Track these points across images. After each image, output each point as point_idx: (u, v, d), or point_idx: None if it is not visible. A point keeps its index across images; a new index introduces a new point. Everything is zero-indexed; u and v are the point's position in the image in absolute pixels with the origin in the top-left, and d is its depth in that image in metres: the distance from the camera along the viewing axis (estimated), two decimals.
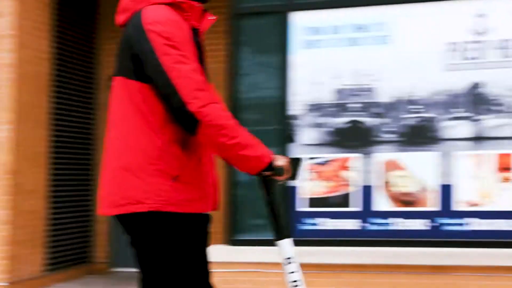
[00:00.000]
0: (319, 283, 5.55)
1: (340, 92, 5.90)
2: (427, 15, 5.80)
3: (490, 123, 5.63)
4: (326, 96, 5.91)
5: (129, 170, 2.54)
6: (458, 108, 5.68)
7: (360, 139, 5.84)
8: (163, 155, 2.54)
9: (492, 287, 5.36)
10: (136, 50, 2.54)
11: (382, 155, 5.78)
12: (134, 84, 2.57)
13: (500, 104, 5.62)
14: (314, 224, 5.87)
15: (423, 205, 5.69)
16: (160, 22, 2.54)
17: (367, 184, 5.80)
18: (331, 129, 5.90)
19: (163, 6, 2.61)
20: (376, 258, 5.60)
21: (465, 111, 5.67)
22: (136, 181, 2.52)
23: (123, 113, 2.60)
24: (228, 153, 2.53)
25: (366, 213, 5.79)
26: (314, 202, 5.89)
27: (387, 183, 5.77)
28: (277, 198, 2.73)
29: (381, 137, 5.80)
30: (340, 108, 5.89)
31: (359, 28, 5.90)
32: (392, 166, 5.77)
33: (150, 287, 2.63)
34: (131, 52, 2.57)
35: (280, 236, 2.70)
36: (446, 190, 5.65)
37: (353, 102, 5.87)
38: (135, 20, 2.59)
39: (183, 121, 2.49)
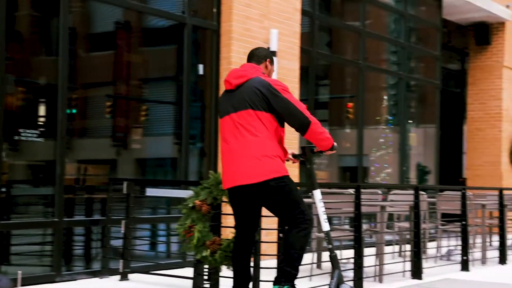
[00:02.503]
0: None
1: None
2: None
3: None
4: None
5: (268, 156, 4.97)
6: None
7: None
8: (278, 148, 5.06)
9: None
10: (268, 97, 4.97)
11: None
12: (264, 113, 4.99)
13: None
14: None
15: None
16: (278, 82, 5.10)
17: None
18: None
19: (266, 75, 5.20)
20: None
21: None
22: (273, 161, 4.98)
23: (256, 128, 4.98)
24: (320, 137, 5.09)
25: None
26: None
27: None
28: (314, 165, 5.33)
29: None
30: None
31: None
32: None
33: (285, 218, 5.07)
34: (261, 97, 4.96)
35: (314, 187, 5.22)
36: None
37: None
38: (259, 82, 5.04)
39: (299, 127, 5.04)
